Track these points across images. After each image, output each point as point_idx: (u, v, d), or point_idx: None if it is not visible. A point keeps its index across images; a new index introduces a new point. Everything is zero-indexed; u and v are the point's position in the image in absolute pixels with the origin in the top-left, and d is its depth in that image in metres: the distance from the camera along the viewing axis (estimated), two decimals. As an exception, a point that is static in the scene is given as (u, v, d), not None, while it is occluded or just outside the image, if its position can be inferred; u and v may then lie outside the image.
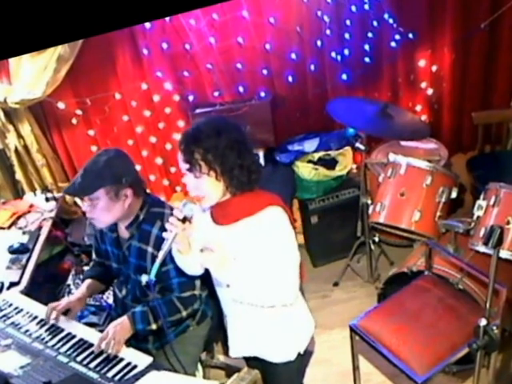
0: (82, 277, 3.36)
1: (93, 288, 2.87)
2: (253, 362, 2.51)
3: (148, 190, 2.81)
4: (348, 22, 4.22)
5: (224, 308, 2.45)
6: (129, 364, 2.38)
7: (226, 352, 2.50)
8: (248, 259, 2.12)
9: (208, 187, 2.07)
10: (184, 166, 2.07)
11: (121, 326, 2.50)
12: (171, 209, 2.65)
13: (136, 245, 2.60)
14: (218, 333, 2.89)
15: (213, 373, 3.28)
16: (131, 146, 4.48)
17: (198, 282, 2.61)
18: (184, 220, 2.06)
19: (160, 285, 2.57)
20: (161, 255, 2.07)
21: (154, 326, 2.56)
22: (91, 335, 2.57)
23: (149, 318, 2.55)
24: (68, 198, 4.22)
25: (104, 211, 2.51)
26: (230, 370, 3.18)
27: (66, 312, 2.69)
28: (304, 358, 2.46)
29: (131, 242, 2.62)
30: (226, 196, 2.13)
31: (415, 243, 3.48)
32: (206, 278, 2.52)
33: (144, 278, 2.60)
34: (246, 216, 2.11)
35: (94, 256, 2.97)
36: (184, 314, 2.60)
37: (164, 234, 2.09)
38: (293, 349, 2.39)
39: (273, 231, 2.09)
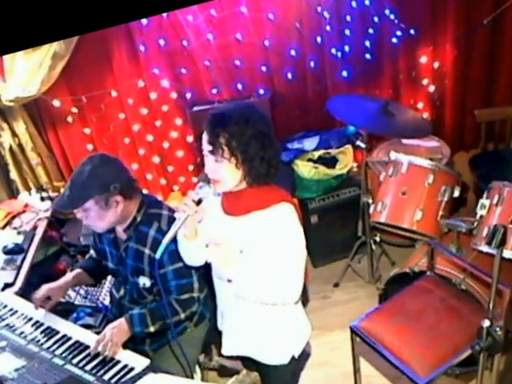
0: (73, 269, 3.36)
1: (79, 279, 2.86)
2: (249, 362, 2.51)
3: (145, 190, 2.80)
4: (348, 18, 4.23)
5: (221, 303, 2.45)
6: (125, 366, 2.38)
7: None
8: (255, 253, 2.12)
9: (226, 173, 2.07)
10: (207, 147, 2.06)
11: (118, 328, 2.50)
12: (169, 209, 2.65)
13: (133, 246, 2.60)
14: (216, 334, 2.89)
15: (211, 375, 3.29)
16: (128, 144, 4.48)
17: (196, 285, 2.61)
18: (199, 202, 2.08)
19: (157, 287, 2.57)
20: (170, 234, 2.09)
21: (151, 329, 2.56)
22: (87, 337, 2.56)
23: (147, 321, 2.55)
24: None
25: (97, 219, 2.52)
26: (228, 373, 3.18)
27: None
28: (299, 361, 2.45)
29: (128, 244, 2.62)
30: (241, 185, 2.13)
31: (417, 243, 3.49)
32: (205, 276, 2.53)
33: (142, 280, 2.62)
34: (257, 209, 2.12)
35: (91, 251, 2.97)
36: (182, 316, 2.60)
37: (176, 214, 2.10)
38: (286, 352, 2.39)
39: (283, 227, 2.10)
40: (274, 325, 2.32)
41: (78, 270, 2.88)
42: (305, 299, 2.42)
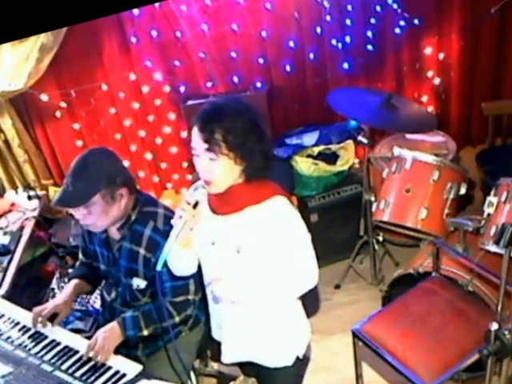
0: (67, 280, 3.35)
1: (79, 288, 2.85)
2: (247, 367, 2.50)
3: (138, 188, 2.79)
4: (349, 8, 4.22)
5: (217, 314, 2.43)
6: (117, 373, 2.38)
7: (220, 359, 2.49)
8: (254, 250, 2.14)
9: (222, 171, 2.07)
10: (202, 146, 2.05)
11: (110, 331, 2.49)
12: (165, 208, 2.64)
13: (127, 246, 2.59)
14: (212, 339, 2.89)
15: (206, 381, 3.29)
16: (119, 140, 4.47)
17: (192, 287, 2.60)
18: (195, 205, 2.07)
19: (152, 289, 2.57)
20: (169, 244, 2.06)
21: (145, 332, 2.55)
22: (77, 342, 2.56)
23: (140, 324, 2.54)
24: (52, 195, 4.21)
25: (101, 216, 2.48)
26: (224, 379, 3.18)
27: (52, 316, 2.67)
28: (302, 363, 2.46)
29: (122, 244, 2.61)
30: (234, 182, 2.13)
31: (422, 243, 3.48)
32: (200, 280, 2.52)
33: (136, 282, 2.61)
34: (252, 204, 2.13)
35: (80, 256, 2.95)
36: (177, 319, 2.60)
37: (172, 221, 2.09)
38: (291, 352, 2.40)
39: (282, 216, 2.13)
40: (276, 326, 2.33)
41: (75, 281, 2.85)
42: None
